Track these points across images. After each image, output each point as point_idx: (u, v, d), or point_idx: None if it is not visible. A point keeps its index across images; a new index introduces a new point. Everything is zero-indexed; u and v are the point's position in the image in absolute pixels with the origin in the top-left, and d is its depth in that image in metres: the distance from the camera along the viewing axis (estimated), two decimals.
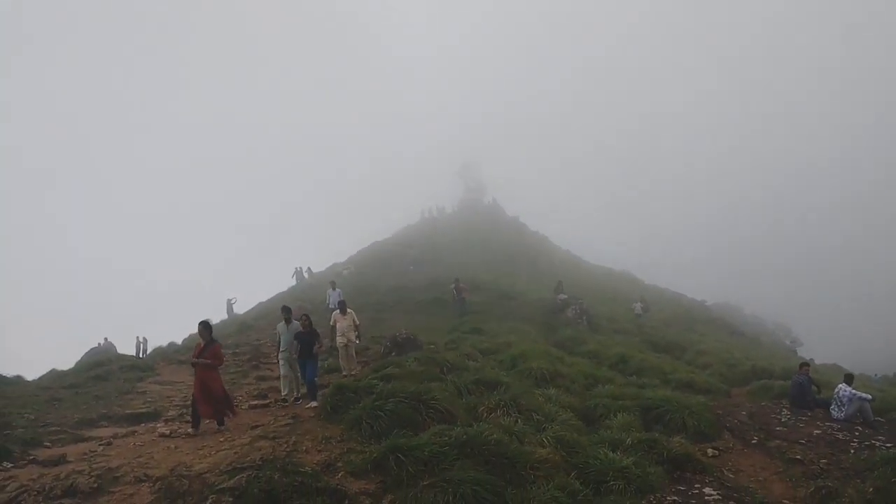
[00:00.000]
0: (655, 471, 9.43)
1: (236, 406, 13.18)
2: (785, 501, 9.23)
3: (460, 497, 7.57)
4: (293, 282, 49.65)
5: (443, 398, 11.23)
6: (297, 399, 14.56)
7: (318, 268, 54.41)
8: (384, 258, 55.00)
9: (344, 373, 16.56)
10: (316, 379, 14.26)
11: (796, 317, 71.62)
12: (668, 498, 8.61)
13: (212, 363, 12.05)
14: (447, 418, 10.68)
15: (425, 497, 7.68)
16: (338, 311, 17.71)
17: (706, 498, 8.76)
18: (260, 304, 45.63)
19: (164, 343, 31.98)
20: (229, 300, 44.43)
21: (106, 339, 35.36)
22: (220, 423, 12.07)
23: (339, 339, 16.84)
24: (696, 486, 9.38)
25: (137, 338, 35.50)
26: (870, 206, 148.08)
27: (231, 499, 7.51)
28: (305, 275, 50.14)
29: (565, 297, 34.92)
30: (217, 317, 39.16)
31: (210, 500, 7.50)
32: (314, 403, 13.14)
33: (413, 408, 10.64)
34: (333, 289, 27.92)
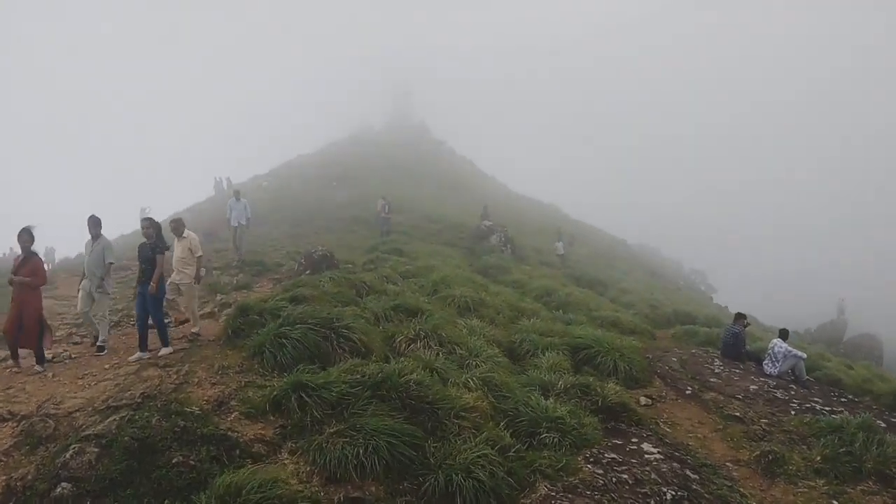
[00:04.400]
0: (590, 421, 8.42)
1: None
2: (728, 464, 8.45)
3: (373, 450, 6.37)
4: (213, 193, 47.44)
5: (357, 326, 9.90)
6: (99, 347, 10.71)
7: (238, 179, 52.61)
8: (308, 173, 53.25)
9: (169, 321, 11.36)
10: (166, 320, 10.91)
11: (712, 264, 72.75)
12: (606, 455, 7.67)
13: (31, 281, 9.63)
14: (361, 350, 9.41)
15: (331, 447, 6.43)
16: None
17: (646, 456, 7.87)
18: (175, 213, 43.71)
19: (73, 254, 30.33)
20: (142, 209, 41.65)
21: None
22: (39, 360, 9.71)
23: (174, 276, 11.60)
24: (633, 440, 8.47)
25: (45, 247, 33.42)
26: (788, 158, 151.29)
27: (97, 449, 6.12)
28: (224, 185, 48.18)
29: (490, 223, 34.08)
30: (130, 227, 37.18)
31: (72, 451, 6.10)
32: (166, 350, 10.14)
33: (323, 336, 9.28)
34: (238, 199, 22.27)
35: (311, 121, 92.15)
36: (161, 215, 43.99)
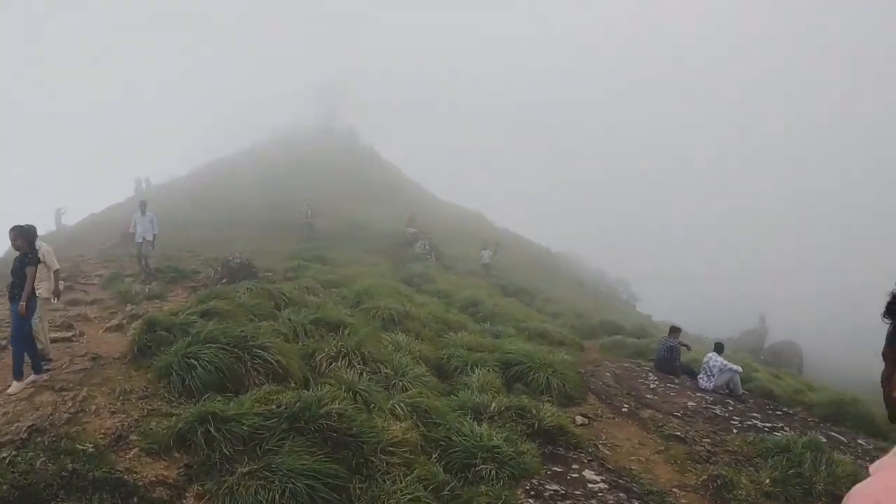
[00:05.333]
0: (528, 448, 7.86)
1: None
2: (675, 490, 8.03)
3: (290, 494, 5.55)
4: (132, 193, 45.87)
5: (274, 345, 9.03)
6: None
7: (159, 179, 51.25)
8: (230, 175, 52.04)
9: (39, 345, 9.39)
10: (37, 345, 9.06)
11: (633, 272, 73.71)
12: (547, 486, 7.14)
13: None
14: (279, 373, 8.57)
15: (243, 491, 5.58)
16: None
17: (590, 486, 7.40)
18: (92, 215, 42.15)
19: None
20: (58, 210, 40.09)
21: None
22: None
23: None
24: (573, 466, 7.97)
25: None
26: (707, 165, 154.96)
27: None
28: (144, 185, 46.76)
29: (415, 230, 33.72)
30: (44, 227, 35.55)
31: None
32: (33, 378, 8.54)
33: (236, 357, 8.37)
34: (143, 213, 19.62)
35: (236, 121, 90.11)
36: (78, 216, 42.58)
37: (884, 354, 1.92)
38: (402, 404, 8.16)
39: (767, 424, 11.61)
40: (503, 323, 18.21)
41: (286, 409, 6.94)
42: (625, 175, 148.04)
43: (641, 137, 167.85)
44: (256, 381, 8.26)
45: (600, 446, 9.22)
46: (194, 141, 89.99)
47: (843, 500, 1.68)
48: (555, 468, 7.90)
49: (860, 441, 11.94)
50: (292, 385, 8.28)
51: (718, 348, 15.01)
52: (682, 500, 7.79)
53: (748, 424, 11.46)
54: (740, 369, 14.38)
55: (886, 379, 1.90)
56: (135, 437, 6.61)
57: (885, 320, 1.89)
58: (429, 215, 47.55)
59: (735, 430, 10.93)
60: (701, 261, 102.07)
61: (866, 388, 14.89)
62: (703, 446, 9.79)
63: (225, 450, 6.25)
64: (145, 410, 7.34)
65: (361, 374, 9.23)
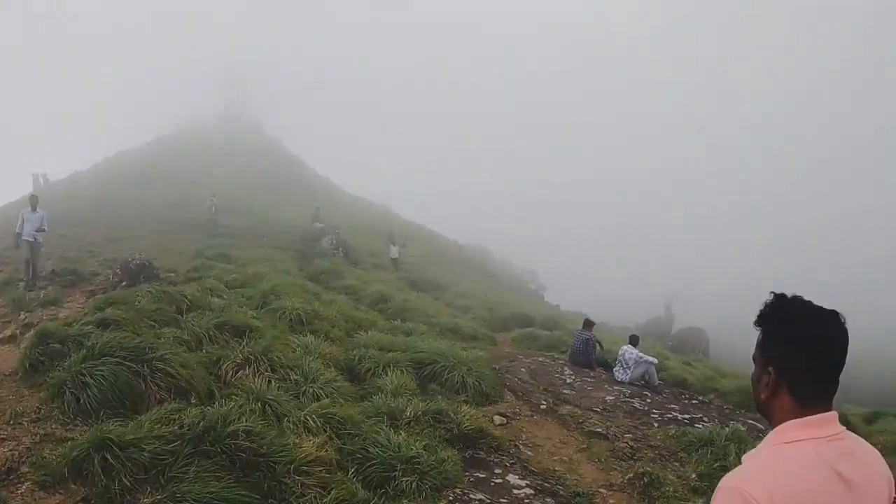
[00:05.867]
0: (449, 455, 7.61)
1: None
2: (601, 490, 7.89)
3: None
4: (31, 190, 43.98)
5: (175, 357, 8.46)
6: None
7: (57, 175, 49.32)
8: (131, 170, 50.42)
9: None
10: None
11: (541, 262, 74.74)
12: (472, 495, 6.90)
13: None
14: (181, 388, 8.03)
15: None
16: None
17: (515, 491, 7.22)
18: None
19: None
20: None
21: None
22: None
23: None
24: (496, 471, 7.75)
25: None
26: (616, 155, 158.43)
27: None
28: (42, 181, 44.97)
29: (322, 225, 33.32)
30: None
31: None
32: None
33: (135, 372, 7.77)
34: (34, 210, 17.91)
35: (138, 113, 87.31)
36: None
37: (754, 358, 2.15)
38: (314, 416, 7.74)
39: (687, 416, 11.78)
40: (414, 319, 18.04)
41: (189, 429, 6.44)
42: (537, 175, 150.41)
43: (558, 139, 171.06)
44: (157, 398, 7.71)
45: (521, 447, 9.04)
46: (97, 135, 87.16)
47: (714, 492, 1.96)
48: (477, 474, 7.69)
49: None
50: (195, 401, 7.79)
51: (633, 340, 15.23)
52: (610, 501, 7.69)
53: (668, 417, 11.59)
54: (656, 360, 14.65)
55: (756, 380, 2.13)
56: (27, 469, 6.02)
57: (756, 328, 2.14)
58: (337, 210, 47.17)
59: (656, 424, 11.01)
60: (608, 252, 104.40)
61: None
62: (626, 442, 9.75)
63: (125, 479, 5.71)
64: (38, 436, 6.69)
65: (270, 382, 8.78)
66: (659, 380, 14.81)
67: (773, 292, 2.17)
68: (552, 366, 15.00)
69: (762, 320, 2.11)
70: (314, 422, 7.63)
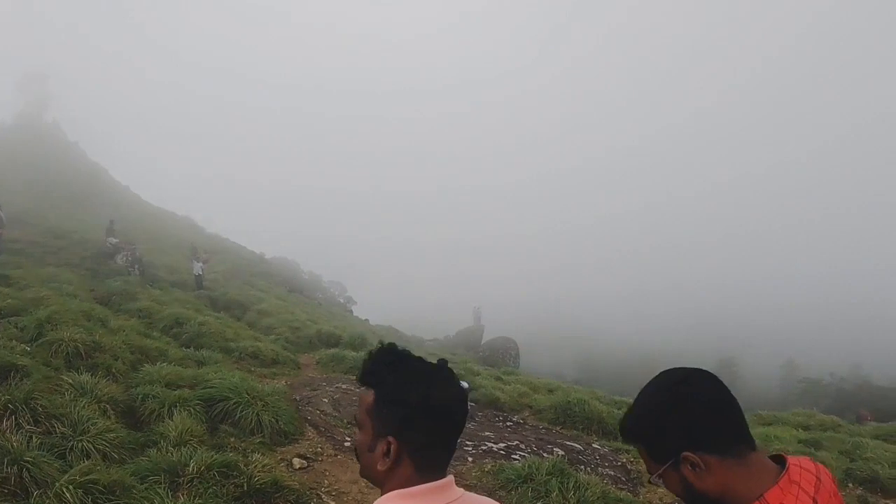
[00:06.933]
0: None
1: None
2: None
3: None
4: None
5: None
6: None
7: None
8: None
9: None
10: None
11: (350, 277, 74.72)
12: None
13: None
14: None
15: None
16: None
17: None
18: None
19: None
20: None
21: None
22: None
23: None
24: None
25: None
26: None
27: None
28: None
29: (116, 241, 31.31)
30: None
31: None
32: None
33: None
34: None
35: None
36: None
37: (358, 421, 2.00)
38: (70, 487, 6.50)
39: (503, 445, 11.41)
40: (211, 345, 16.97)
41: None
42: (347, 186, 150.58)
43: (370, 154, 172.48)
44: None
45: (324, 496, 8.34)
46: None
47: None
48: None
49: (595, 445, 12.28)
50: None
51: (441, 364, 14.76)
52: None
53: (483, 449, 11.15)
54: (466, 385, 14.21)
55: (367, 448, 1.95)
56: None
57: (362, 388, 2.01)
58: (137, 223, 44.68)
59: (470, 459, 10.52)
60: (418, 264, 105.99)
61: (562, 377, 15.60)
62: None
63: None
64: None
65: (31, 437, 7.64)
66: (471, 402, 14.50)
67: (381, 342, 2.07)
68: (357, 394, 14.22)
69: (372, 378, 1.96)
70: (71, 494, 6.44)
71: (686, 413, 1.74)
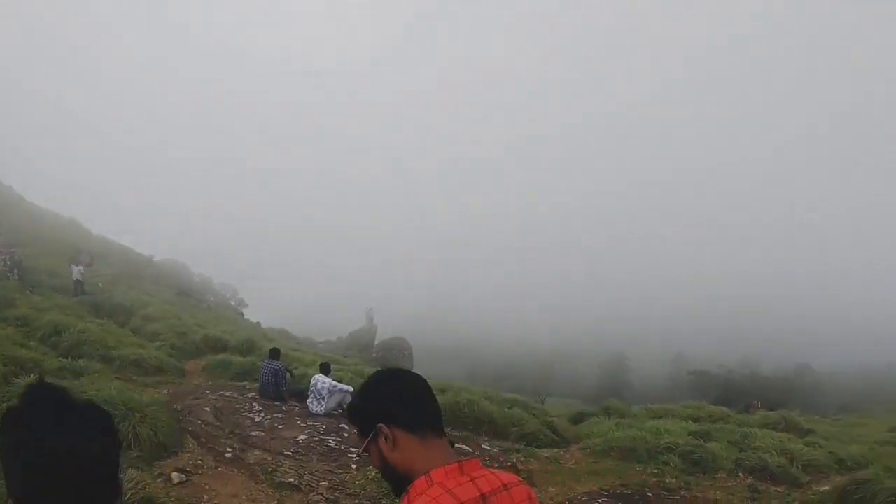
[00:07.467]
0: None
1: None
2: None
3: None
4: None
5: None
6: None
7: None
8: None
9: None
10: None
11: (243, 277, 73.80)
12: None
13: None
14: None
15: None
16: None
17: None
18: None
19: None
20: None
21: None
22: None
23: None
24: None
25: None
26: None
27: None
28: None
29: None
30: None
31: None
32: None
33: None
34: None
35: None
36: None
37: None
38: None
39: None
40: (91, 354, 16.60)
41: None
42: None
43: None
44: None
45: None
46: None
47: None
48: None
49: (485, 446, 12.59)
50: None
51: (325, 368, 14.78)
52: None
53: (365, 456, 11.08)
54: (351, 388, 14.02)
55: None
56: None
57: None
58: (16, 224, 43.02)
59: (354, 466, 10.35)
60: (311, 263, 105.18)
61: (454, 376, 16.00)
62: (321, 494, 8.93)
63: None
64: None
65: None
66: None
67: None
68: (240, 401, 14.20)
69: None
70: None
71: (385, 396, 2.13)
